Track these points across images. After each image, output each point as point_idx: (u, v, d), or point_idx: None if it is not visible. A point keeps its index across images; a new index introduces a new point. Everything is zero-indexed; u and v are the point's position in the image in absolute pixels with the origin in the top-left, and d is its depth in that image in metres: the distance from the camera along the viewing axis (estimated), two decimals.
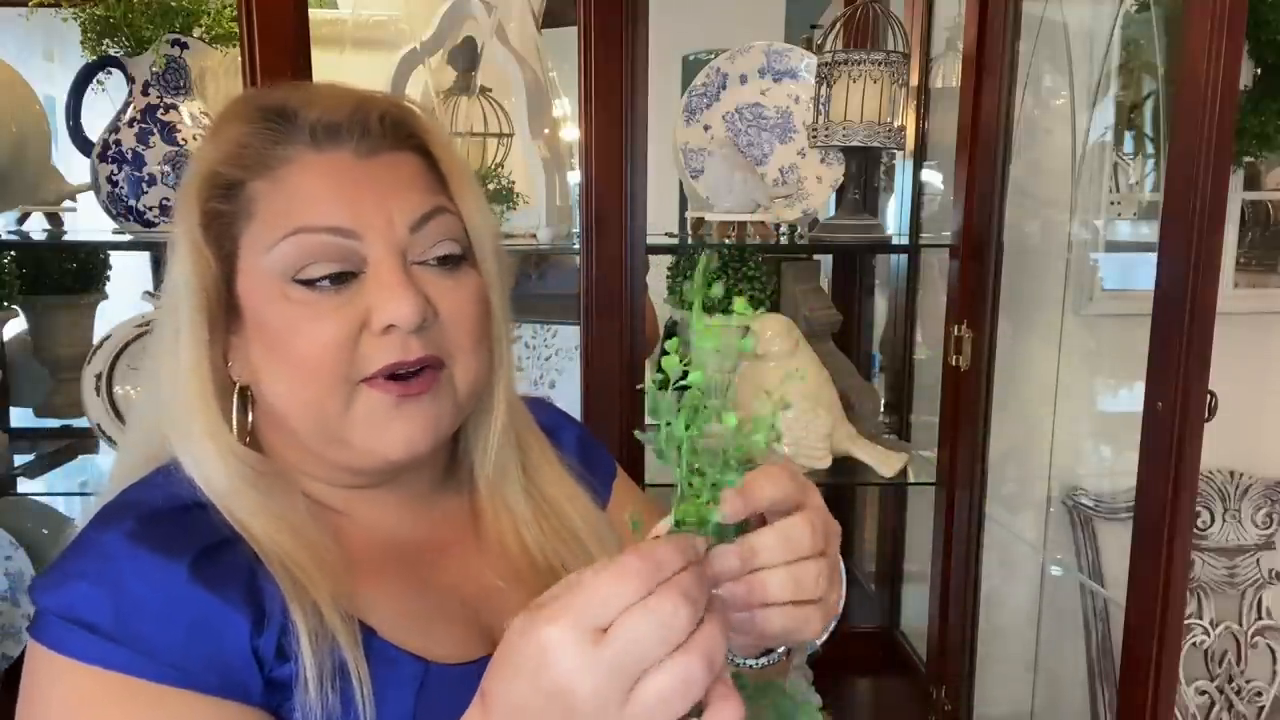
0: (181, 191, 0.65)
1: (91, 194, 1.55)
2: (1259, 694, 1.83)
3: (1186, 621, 1.77)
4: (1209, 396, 1.06)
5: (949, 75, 1.77)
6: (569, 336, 1.58)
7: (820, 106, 1.55)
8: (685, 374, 0.49)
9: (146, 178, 1.47)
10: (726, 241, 1.54)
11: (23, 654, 1.73)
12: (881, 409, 1.90)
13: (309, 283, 0.62)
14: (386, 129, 0.66)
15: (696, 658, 0.44)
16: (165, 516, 0.60)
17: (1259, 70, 1.61)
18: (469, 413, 0.70)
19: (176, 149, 1.48)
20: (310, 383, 0.62)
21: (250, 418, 0.67)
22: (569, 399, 1.58)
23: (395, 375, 0.63)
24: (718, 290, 0.52)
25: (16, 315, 1.80)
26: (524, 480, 0.75)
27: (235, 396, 0.66)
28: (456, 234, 0.67)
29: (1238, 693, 1.82)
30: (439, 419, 0.65)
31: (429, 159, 0.68)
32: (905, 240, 1.79)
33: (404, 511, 0.71)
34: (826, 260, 1.93)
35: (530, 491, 0.75)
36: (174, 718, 0.55)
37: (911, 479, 1.67)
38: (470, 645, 0.66)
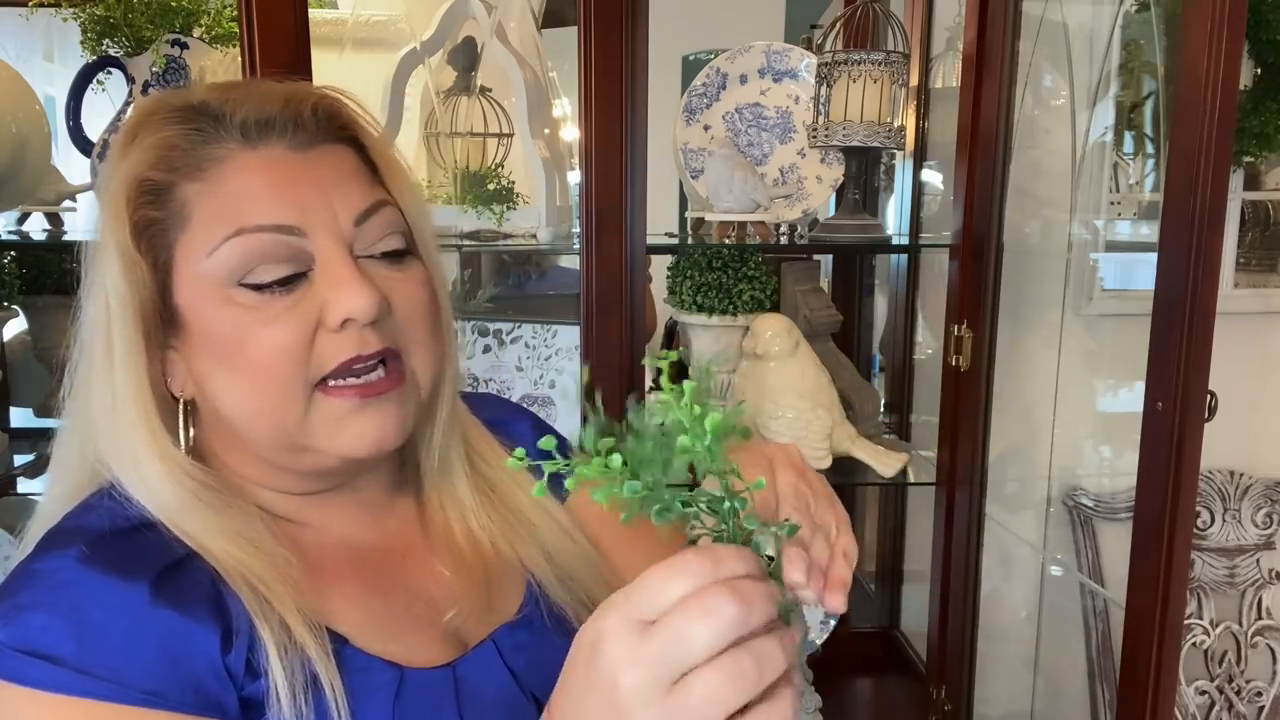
0: (105, 202, 0.62)
1: (91, 194, 1.55)
2: (1259, 694, 1.83)
3: (1186, 621, 1.77)
4: (1209, 396, 1.06)
5: (949, 75, 1.77)
6: (569, 336, 1.57)
7: (820, 106, 1.55)
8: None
9: None
10: (726, 241, 1.54)
11: None
12: (881, 409, 1.90)
13: (257, 286, 0.59)
14: (320, 121, 0.64)
15: (748, 657, 0.42)
16: (115, 539, 0.58)
17: (1259, 70, 1.60)
18: (430, 408, 0.69)
19: None
20: (267, 390, 0.60)
21: (192, 433, 0.65)
22: (568, 399, 1.58)
23: (353, 373, 0.61)
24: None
25: (16, 315, 1.79)
26: (469, 470, 0.74)
27: (181, 412, 0.64)
28: (399, 226, 0.65)
29: (1238, 693, 1.82)
30: (404, 413, 0.63)
31: (362, 151, 0.66)
32: (905, 240, 1.79)
33: (362, 517, 0.69)
34: (826, 260, 1.93)
35: (477, 481, 0.74)
36: None
37: (911, 479, 1.67)
38: (442, 648, 0.65)
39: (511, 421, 0.82)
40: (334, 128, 0.65)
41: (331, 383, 0.61)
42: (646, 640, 0.42)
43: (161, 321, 0.62)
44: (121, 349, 0.60)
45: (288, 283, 0.60)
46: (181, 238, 0.61)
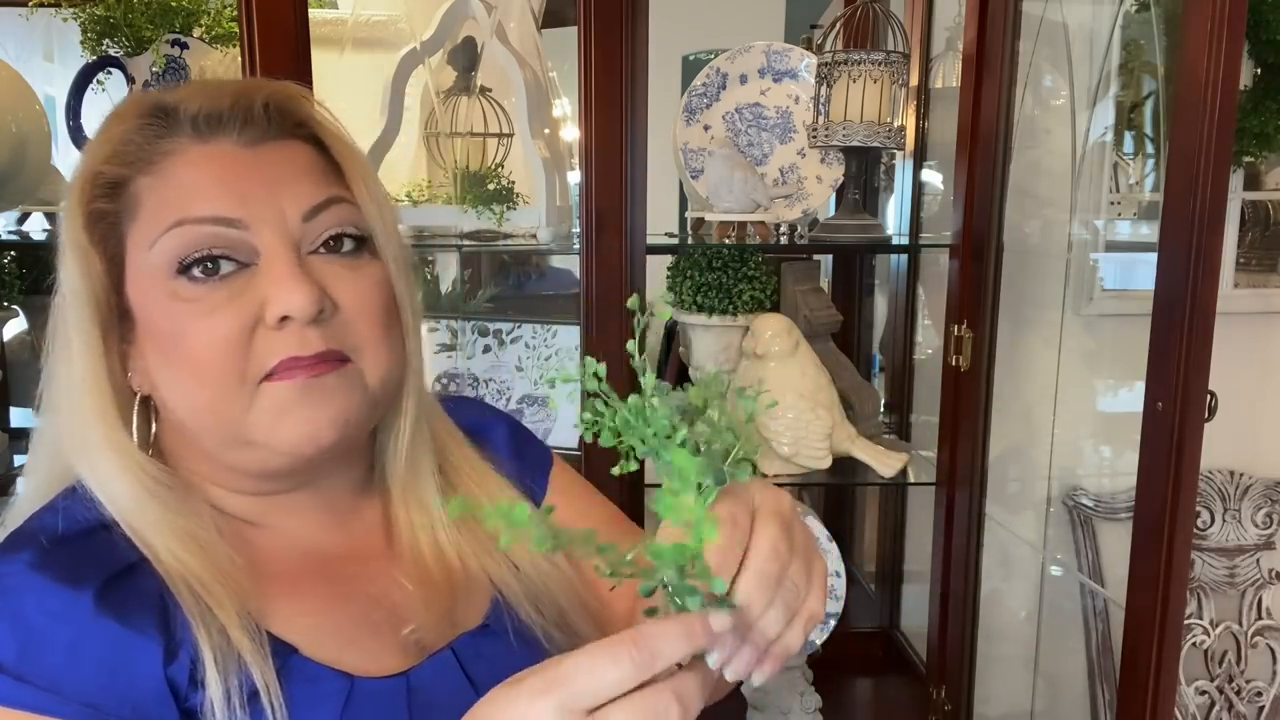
0: (67, 196, 0.62)
1: None
2: (1259, 694, 1.83)
3: (1186, 621, 1.77)
4: (1209, 396, 1.06)
5: (949, 75, 1.77)
6: (569, 336, 1.57)
7: (820, 106, 1.55)
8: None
9: None
10: (726, 241, 1.54)
11: None
12: (881, 409, 1.90)
13: (195, 278, 0.59)
14: (271, 117, 0.63)
15: None
16: (68, 542, 0.57)
17: (1259, 70, 1.60)
18: (384, 409, 0.67)
19: None
20: (206, 384, 0.59)
21: (154, 429, 0.64)
22: (569, 399, 1.58)
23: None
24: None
25: (16, 315, 1.79)
26: (441, 481, 0.72)
27: (136, 407, 0.63)
28: (354, 223, 0.64)
29: (1238, 693, 1.82)
30: (347, 410, 0.61)
31: (322, 148, 0.66)
32: (905, 240, 1.79)
33: (324, 520, 0.68)
34: (826, 260, 1.93)
35: (448, 492, 0.72)
36: None
37: (911, 479, 1.67)
38: (396, 657, 0.64)
39: (490, 427, 0.80)
40: (289, 124, 0.65)
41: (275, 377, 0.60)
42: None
43: (117, 316, 0.62)
44: (79, 342, 0.61)
45: (226, 275, 0.59)
46: (132, 230, 0.61)
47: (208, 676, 0.54)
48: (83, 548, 0.57)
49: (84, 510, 0.60)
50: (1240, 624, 1.83)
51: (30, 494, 0.64)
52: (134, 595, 0.56)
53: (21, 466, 1.79)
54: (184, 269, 0.59)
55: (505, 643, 0.68)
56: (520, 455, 0.79)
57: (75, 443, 0.62)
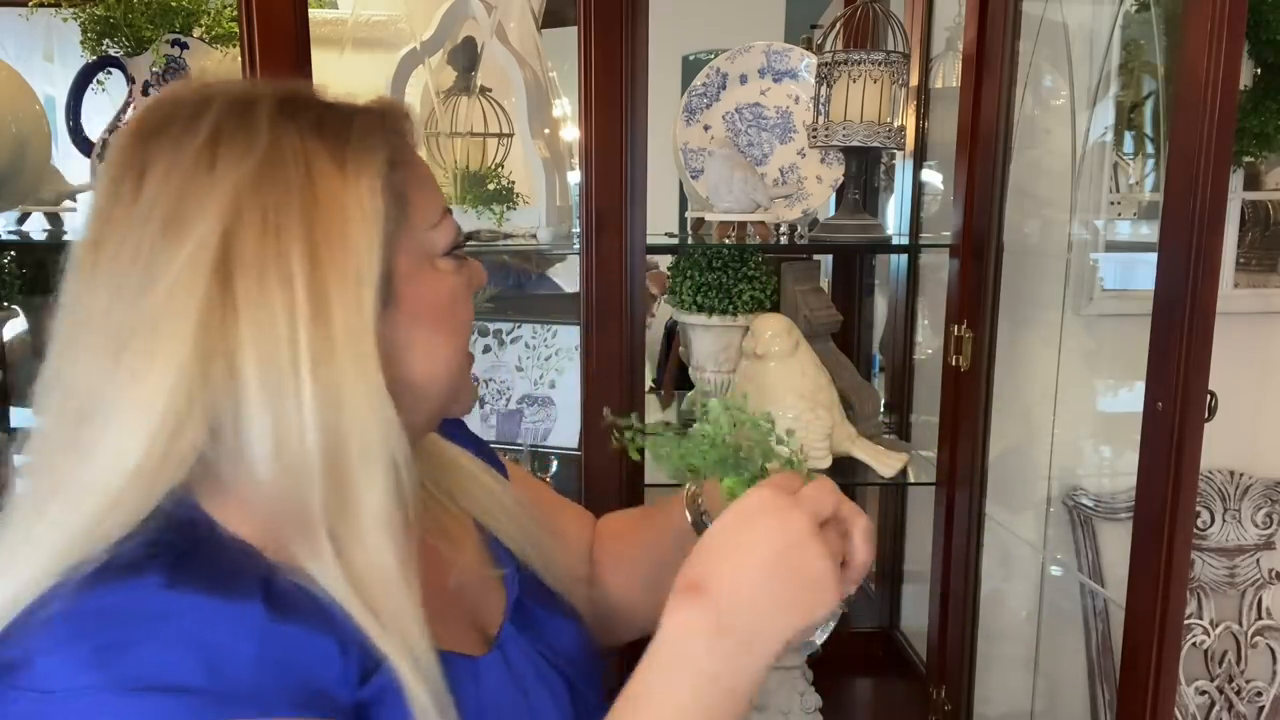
0: (351, 205, 0.59)
1: (91, 194, 1.54)
2: (1259, 694, 1.83)
3: (1186, 621, 1.77)
4: (1209, 396, 1.06)
5: (949, 75, 1.77)
6: (569, 336, 1.58)
7: (820, 106, 1.55)
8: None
9: None
10: (726, 241, 1.54)
11: None
12: (881, 409, 1.90)
13: (457, 256, 0.66)
14: None
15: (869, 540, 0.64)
16: (187, 556, 0.54)
17: (1259, 70, 1.60)
18: None
19: None
20: (463, 345, 0.67)
21: None
22: (569, 399, 1.58)
23: None
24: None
25: (16, 315, 1.80)
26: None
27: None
28: None
29: (1238, 693, 1.82)
30: None
31: None
32: (905, 240, 1.79)
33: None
34: (826, 260, 1.93)
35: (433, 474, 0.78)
36: None
37: (911, 479, 1.67)
38: (471, 633, 0.67)
39: (446, 424, 0.86)
40: None
41: None
42: (828, 539, 0.60)
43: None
44: (369, 335, 0.58)
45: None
46: (408, 218, 0.63)
47: (396, 668, 0.55)
48: (208, 558, 0.55)
49: (183, 513, 0.57)
50: (1240, 624, 1.83)
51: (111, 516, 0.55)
52: (291, 597, 0.54)
53: (22, 467, 1.79)
54: (448, 250, 0.66)
55: (537, 604, 0.74)
56: (479, 448, 0.86)
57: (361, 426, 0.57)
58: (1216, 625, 1.81)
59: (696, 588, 0.57)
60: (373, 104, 0.65)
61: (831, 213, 1.72)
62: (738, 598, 0.56)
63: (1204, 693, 1.81)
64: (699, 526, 0.79)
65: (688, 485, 0.81)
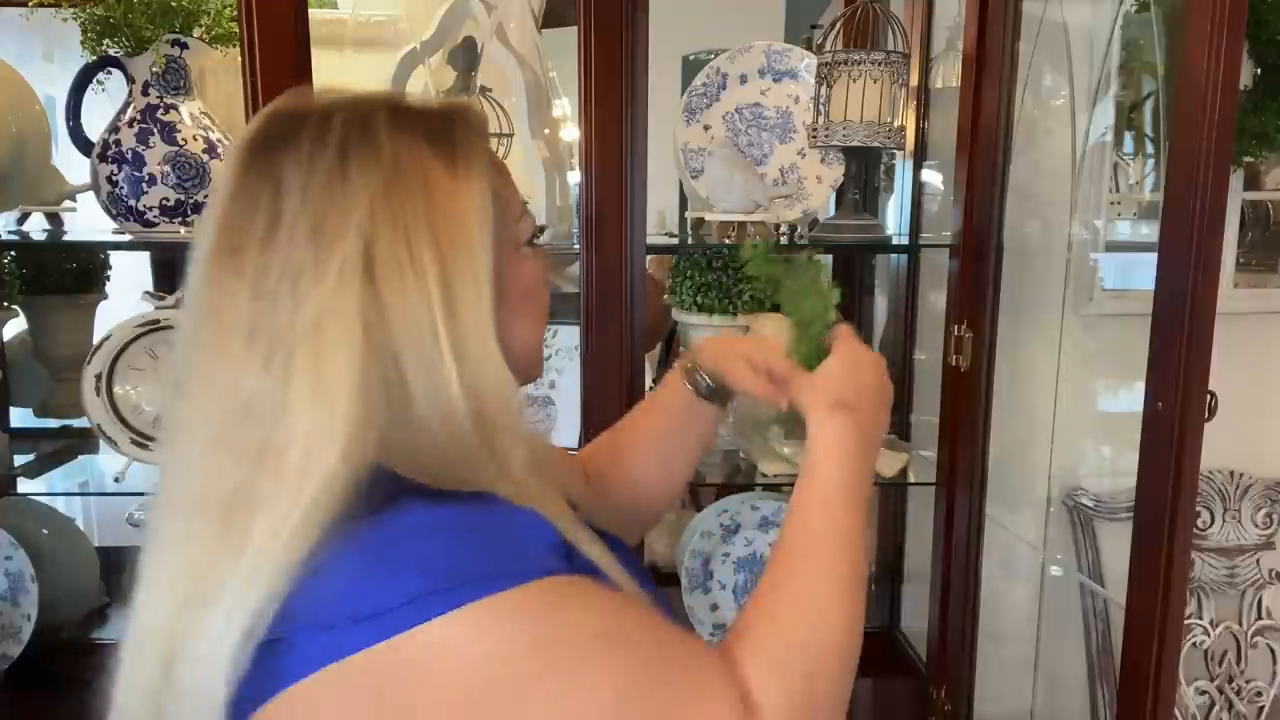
0: (473, 207, 0.66)
1: (91, 194, 1.55)
2: (1259, 694, 1.83)
3: (1186, 621, 1.77)
4: (1209, 396, 1.06)
5: (949, 75, 1.77)
6: (569, 336, 1.58)
7: (820, 106, 1.55)
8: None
9: (146, 178, 1.47)
10: (726, 241, 1.54)
11: (21, 655, 1.72)
12: None
13: (535, 244, 0.75)
14: None
15: None
16: (418, 490, 0.63)
17: (1259, 70, 1.61)
18: None
19: (176, 149, 1.48)
20: (543, 323, 0.77)
21: None
22: (569, 399, 1.58)
23: None
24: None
25: (16, 315, 1.80)
26: None
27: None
28: None
29: (1238, 693, 1.82)
30: None
31: None
32: (905, 240, 1.79)
33: None
34: (827, 260, 1.93)
35: None
36: (597, 592, 0.63)
37: (911, 479, 1.67)
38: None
39: None
40: None
41: None
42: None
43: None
44: (489, 309, 0.66)
45: None
46: (505, 211, 0.71)
47: (585, 550, 0.65)
48: (427, 489, 0.63)
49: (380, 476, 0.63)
50: (1240, 624, 1.83)
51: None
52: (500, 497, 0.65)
53: (21, 466, 1.79)
54: (529, 240, 0.75)
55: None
56: None
57: (501, 399, 0.66)
58: (1216, 625, 1.81)
59: (844, 405, 0.77)
60: (456, 107, 0.71)
61: (831, 213, 1.72)
62: (868, 411, 0.79)
63: (1204, 693, 1.81)
64: (705, 390, 0.94)
65: (681, 363, 0.96)
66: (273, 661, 0.57)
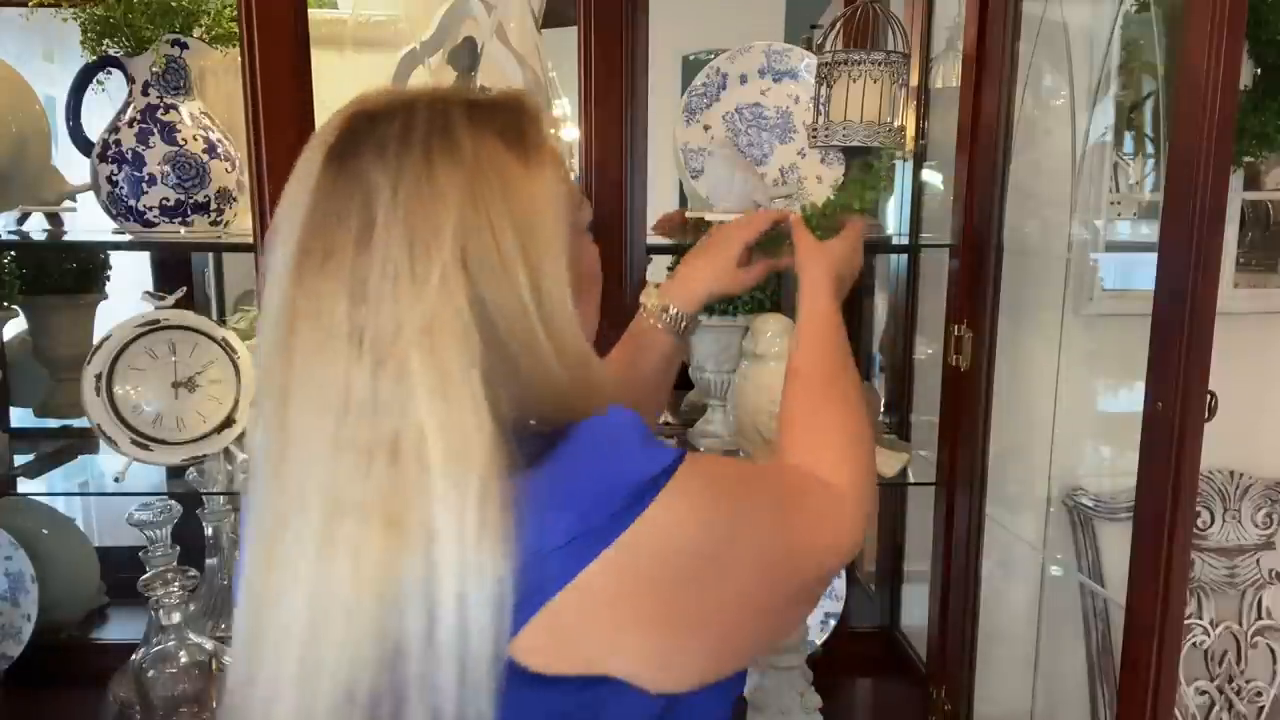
0: (543, 186, 0.70)
1: (91, 194, 1.55)
2: (1259, 694, 1.83)
3: (1186, 621, 1.77)
4: (1209, 396, 1.06)
5: (949, 75, 1.77)
6: None
7: (820, 106, 1.55)
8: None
9: (146, 178, 1.47)
10: None
11: (21, 655, 1.72)
12: (881, 409, 1.90)
13: (588, 231, 0.83)
14: None
15: None
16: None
17: (1259, 70, 1.61)
18: None
19: (176, 149, 1.48)
20: (598, 301, 0.87)
21: None
22: None
23: None
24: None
25: (16, 315, 1.80)
26: None
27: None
28: None
29: (1238, 693, 1.82)
30: None
31: None
32: (905, 240, 1.79)
33: None
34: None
35: None
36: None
37: (911, 479, 1.67)
38: None
39: None
40: None
41: None
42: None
43: None
44: (571, 293, 0.71)
45: None
46: (568, 202, 0.75)
47: None
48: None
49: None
50: (1240, 624, 1.83)
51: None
52: None
53: (21, 466, 1.79)
54: (587, 225, 0.82)
55: None
56: None
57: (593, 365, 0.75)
58: (1216, 625, 1.81)
59: (840, 278, 1.12)
60: (521, 99, 0.76)
61: None
62: (847, 280, 1.16)
63: (1204, 693, 1.81)
64: (682, 325, 1.16)
65: (651, 305, 1.15)
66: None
